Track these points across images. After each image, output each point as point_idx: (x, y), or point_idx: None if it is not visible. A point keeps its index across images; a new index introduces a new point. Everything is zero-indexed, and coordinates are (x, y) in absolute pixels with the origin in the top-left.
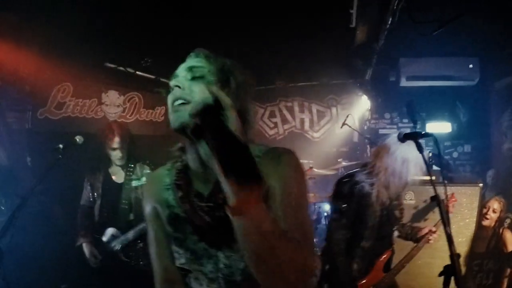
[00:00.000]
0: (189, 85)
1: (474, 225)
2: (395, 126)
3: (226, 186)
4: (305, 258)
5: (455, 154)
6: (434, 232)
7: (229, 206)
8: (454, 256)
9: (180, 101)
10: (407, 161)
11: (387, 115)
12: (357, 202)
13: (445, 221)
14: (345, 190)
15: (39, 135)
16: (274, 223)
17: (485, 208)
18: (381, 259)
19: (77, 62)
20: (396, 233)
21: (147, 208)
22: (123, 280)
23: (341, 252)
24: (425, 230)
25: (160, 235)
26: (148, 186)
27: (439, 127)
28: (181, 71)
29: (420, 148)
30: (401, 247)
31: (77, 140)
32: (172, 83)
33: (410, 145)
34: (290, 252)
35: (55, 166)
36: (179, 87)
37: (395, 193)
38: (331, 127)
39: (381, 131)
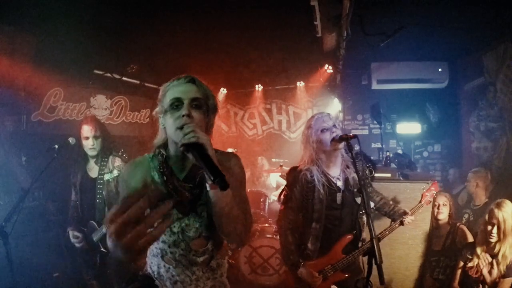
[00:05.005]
0: (192, 114)
1: (429, 219)
2: (366, 127)
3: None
4: (246, 220)
5: (425, 154)
6: (409, 214)
7: (212, 185)
8: (373, 239)
9: (190, 128)
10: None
11: (359, 117)
12: (301, 188)
13: (367, 211)
14: (290, 178)
15: (33, 137)
16: (232, 197)
17: (435, 205)
18: (340, 241)
19: (68, 69)
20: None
21: (134, 183)
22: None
23: (286, 233)
24: (401, 212)
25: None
26: (134, 168)
27: (410, 127)
28: (185, 98)
29: (349, 148)
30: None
31: (70, 141)
32: (180, 112)
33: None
34: (239, 213)
35: (50, 165)
36: (188, 115)
37: (338, 176)
38: None
39: (353, 132)
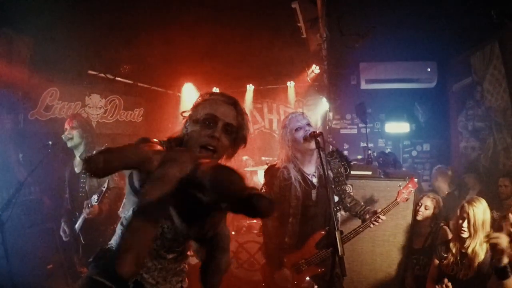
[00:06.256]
0: (222, 139)
1: (411, 217)
2: (355, 126)
3: None
4: None
5: (414, 153)
6: (378, 217)
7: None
8: (335, 232)
9: (211, 147)
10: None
11: (348, 116)
12: (278, 186)
13: (331, 202)
14: (268, 176)
15: (30, 135)
16: None
17: (418, 205)
18: (313, 237)
19: (63, 70)
20: (343, 212)
21: None
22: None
23: (268, 229)
24: (371, 213)
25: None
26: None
27: (398, 127)
28: (221, 120)
29: (317, 145)
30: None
31: (63, 138)
32: (211, 132)
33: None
34: None
35: (45, 161)
36: (218, 139)
37: (313, 174)
38: None
39: (342, 131)
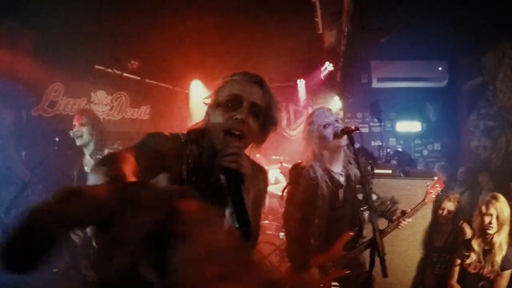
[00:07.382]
0: (248, 122)
1: (430, 215)
2: (367, 125)
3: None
4: (252, 243)
5: (425, 152)
6: (407, 217)
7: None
8: (376, 231)
9: (237, 132)
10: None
11: (359, 115)
12: (304, 185)
13: (370, 205)
14: (294, 175)
15: (33, 132)
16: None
17: (441, 209)
18: (340, 238)
19: (69, 64)
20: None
21: (160, 168)
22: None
23: (294, 231)
24: (398, 213)
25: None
26: (166, 142)
27: (409, 126)
28: (246, 100)
29: (351, 141)
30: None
31: (71, 134)
32: (235, 114)
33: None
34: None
35: (50, 159)
36: (243, 121)
37: (341, 173)
38: None
39: None
